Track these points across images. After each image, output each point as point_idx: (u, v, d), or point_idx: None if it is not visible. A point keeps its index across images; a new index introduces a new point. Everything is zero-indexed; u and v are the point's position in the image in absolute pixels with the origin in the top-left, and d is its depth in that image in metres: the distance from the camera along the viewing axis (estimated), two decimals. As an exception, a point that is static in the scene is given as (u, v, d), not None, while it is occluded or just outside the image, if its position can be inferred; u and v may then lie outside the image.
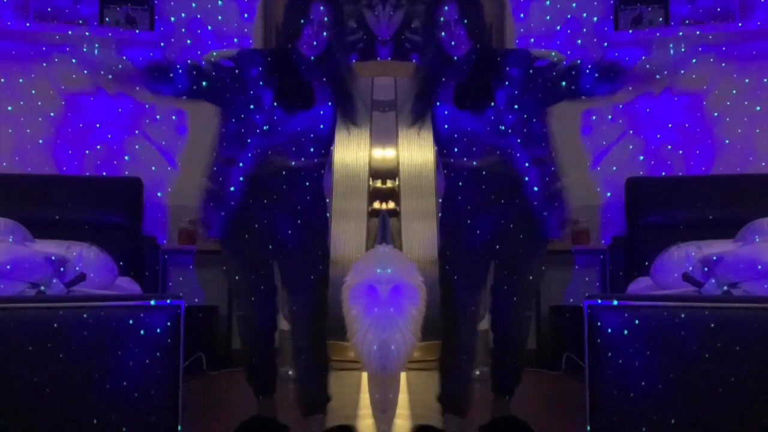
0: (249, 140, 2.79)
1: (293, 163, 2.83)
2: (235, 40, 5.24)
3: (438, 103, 2.85)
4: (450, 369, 3.00)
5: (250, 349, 3.05)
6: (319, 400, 3.02)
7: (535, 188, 2.79)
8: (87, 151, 5.06)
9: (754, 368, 2.38)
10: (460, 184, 2.87)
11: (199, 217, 3.00)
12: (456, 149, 2.83)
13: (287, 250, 2.89)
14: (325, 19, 2.82)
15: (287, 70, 2.84)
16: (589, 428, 2.47)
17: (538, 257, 2.96)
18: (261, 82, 2.81)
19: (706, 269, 3.05)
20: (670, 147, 5.10)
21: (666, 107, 5.10)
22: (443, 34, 2.80)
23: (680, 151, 5.07)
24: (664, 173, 5.04)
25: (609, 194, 5.10)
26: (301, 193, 2.86)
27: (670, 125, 5.10)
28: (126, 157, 5.10)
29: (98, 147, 5.08)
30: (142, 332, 2.41)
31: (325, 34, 2.82)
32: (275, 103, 2.80)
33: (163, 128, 5.17)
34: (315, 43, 2.82)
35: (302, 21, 2.81)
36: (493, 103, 2.79)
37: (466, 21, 2.78)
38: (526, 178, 2.78)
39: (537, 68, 2.81)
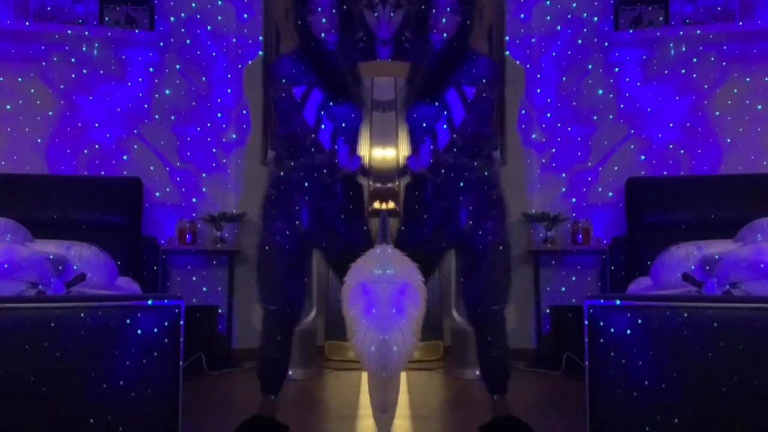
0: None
1: (331, 156, 2.90)
2: (234, 40, 5.24)
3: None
4: None
5: (270, 345, 3.03)
6: None
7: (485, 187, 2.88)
8: (85, 151, 5.06)
9: (756, 368, 2.38)
10: (424, 177, 2.92)
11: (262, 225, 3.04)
12: (423, 143, 2.89)
13: (333, 239, 2.93)
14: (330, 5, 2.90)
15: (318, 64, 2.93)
16: (589, 428, 2.47)
17: (502, 252, 2.98)
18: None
19: (707, 268, 3.05)
20: (671, 146, 5.10)
21: (668, 107, 5.10)
22: (434, 11, 2.87)
23: (682, 151, 5.07)
24: (666, 173, 5.04)
25: (611, 194, 5.09)
26: (342, 184, 2.92)
27: (671, 125, 5.10)
28: (124, 157, 5.10)
29: (96, 146, 5.08)
30: (141, 332, 2.41)
31: (333, 14, 2.89)
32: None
33: (162, 128, 5.17)
34: (324, 32, 2.87)
35: (307, 11, 2.88)
36: (467, 100, 2.87)
37: (459, 15, 2.85)
38: (486, 173, 2.86)
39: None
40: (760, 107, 4.96)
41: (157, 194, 5.08)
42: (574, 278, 5.11)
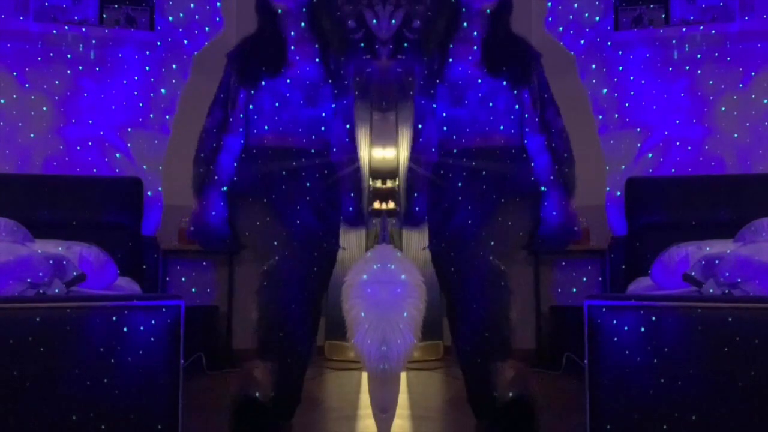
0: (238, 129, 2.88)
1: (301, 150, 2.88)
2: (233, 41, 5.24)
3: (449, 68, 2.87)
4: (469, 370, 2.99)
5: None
6: (291, 401, 3.09)
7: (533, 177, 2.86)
8: (78, 148, 5.04)
9: (756, 369, 2.38)
10: (449, 175, 2.90)
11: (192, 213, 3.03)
12: (452, 137, 2.87)
13: (291, 244, 2.92)
14: None
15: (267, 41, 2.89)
16: (589, 428, 2.47)
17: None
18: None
19: (710, 266, 3.04)
20: (678, 143, 5.08)
21: (672, 105, 5.09)
22: None
23: (689, 147, 5.06)
24: (673, 170, 5.03)
25: (618, 193, 5.08)
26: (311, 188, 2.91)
27: (677, 122, 5.09)
28: (116, 155, 5.09)
29: (89, 143, 5.06)
30: (141, 332, 2.41)
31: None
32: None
33: (157, 127, 5.16)
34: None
35: None
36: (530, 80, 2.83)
37: None
38: (533, 164, 2.84)
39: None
40: (766, 101, 4.95)
41: (149, 193, 5.05)
42: (574, 278, 5.10)
